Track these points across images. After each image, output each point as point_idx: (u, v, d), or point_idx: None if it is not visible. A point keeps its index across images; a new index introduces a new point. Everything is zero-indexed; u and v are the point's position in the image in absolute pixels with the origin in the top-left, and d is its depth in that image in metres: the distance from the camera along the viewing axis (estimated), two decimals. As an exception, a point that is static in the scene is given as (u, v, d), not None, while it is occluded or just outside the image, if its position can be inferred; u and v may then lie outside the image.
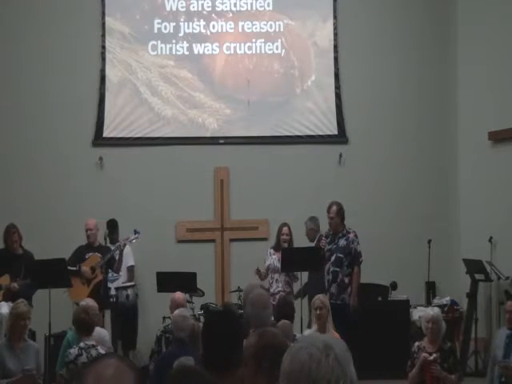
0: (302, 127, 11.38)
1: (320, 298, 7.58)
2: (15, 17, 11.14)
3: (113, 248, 9.66)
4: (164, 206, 10.99)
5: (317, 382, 1.85)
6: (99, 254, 9.48)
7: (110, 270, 9.67)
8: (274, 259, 9.40)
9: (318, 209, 9.90)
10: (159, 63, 11.37)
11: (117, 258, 9.61)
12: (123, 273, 10.29)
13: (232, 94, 11.39)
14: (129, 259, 10.40)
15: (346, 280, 9.14)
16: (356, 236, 9.26)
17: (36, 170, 10.99)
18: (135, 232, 9.61)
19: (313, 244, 9.71)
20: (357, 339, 7.93)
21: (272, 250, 9.54)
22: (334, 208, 9.31)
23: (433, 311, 7.02)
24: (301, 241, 9.80)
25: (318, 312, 7.41)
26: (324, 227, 9.71)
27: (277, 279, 9.32)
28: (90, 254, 9.52)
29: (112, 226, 10.31)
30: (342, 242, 9.22)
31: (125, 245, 9.59)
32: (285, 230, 9.52)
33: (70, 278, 9.22)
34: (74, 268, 9.35)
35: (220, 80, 11.42)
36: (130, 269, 10.49)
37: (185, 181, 11.11)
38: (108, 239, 10.17)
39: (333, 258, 9.15)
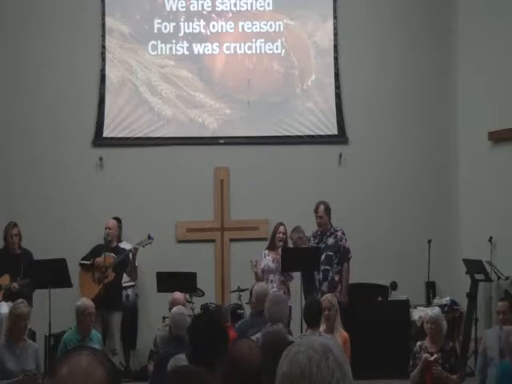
0: (302, 127, 11.38)
1: (328, 298, 7.54)
2: (15, 17, 11.14)
3: (127, 250, 9.63)
4: (164, 206, 10.99)
5: None
6: (113, 255, 9.46)
7: (124, 273, 9.68)
8: (268, 260, 9.38)
9: (318, 209, 9.91)
10: (159, 63, 11.37)
11: (130, 261, 9.58)
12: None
13: (232, 94, 11.39)
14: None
15: (337, 278, 9.33)
16: (343, 233, 9.45)
17: (36, 170, 10.99)
18: (149, 237, 9.57)
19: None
20: (356, 339, 7.94)
21: (267, 251, 9.49)
22: (322, 207, 9.48)
23: (432, 311, 6.99)
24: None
25: (326, 312, 7.38)
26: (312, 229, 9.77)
27: (272, 280, 9.30)
28: (106, 253, 9.50)
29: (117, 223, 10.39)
30: (331, 241, 9.39)
31: (137, 249, 9.52)
32: (281, 228, 9.52)
33: (83, 273, 9.30)
34: (88, 262, 9.37)
35: (220, 80, 11.42)
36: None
37: (185, 181, 11.11)
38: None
39: (323, 256, 9.27)
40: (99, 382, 1.86)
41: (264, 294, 7.23)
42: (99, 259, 9.35)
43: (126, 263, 9.49)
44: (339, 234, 9.44)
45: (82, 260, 9.44)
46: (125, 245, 10.07)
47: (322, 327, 7.33)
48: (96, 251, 9.51)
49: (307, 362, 1.87)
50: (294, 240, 9.82)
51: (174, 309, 7.04)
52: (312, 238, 9.52)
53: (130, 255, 9.51)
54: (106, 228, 9.63)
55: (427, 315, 6.90)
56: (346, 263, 9.37)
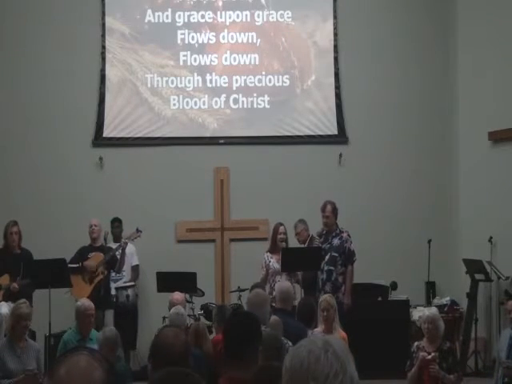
0: (302, 127, 11.38)
1: (326, 299, 7.53)
2: (15, 17, 11.15)
3: (115, 247, 9.67)
4: (164, 206, 10.99)
5: (316, 377, 1.88)
6: (101, 254, 9.49)
7: (112, 270, 9.69)
8: (273, 262, 9.37)
9: (318, 209, 9.90)
10: (159, 63, 11.38)
11: (119, 257, 9.62)
12: (127, 272, 10.32)
13: (232, 94, 11.39)
14: (133, 258, 10.44)
15: (340, 279, 9.30)
16: (349, 235, 9.42)
17: (36, 170, 10.99)
18: (137, 230, 9.63)
19: (304, 246, 9.72)
20: (356, 339, 7.94)
21: (269, 254, 9.48)
22: (329, 207, 9.44)
23: (429, 311, 6.98)
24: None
25: (324, 313, 7.37)
26: (313, 229, 9.76)
27: (279, 281, 9.29)
28: (93, 253, 9.52)
29: (117, 223, 10.42)
30: (336, 242, 9.35)
31: (126, 243, 9.60)
32: (281, 229, 9.51)
33: (73, 275, 9.29)
34: (76, 265, 9.37)
35: (220, 80, 11.42)
36: (135, 268, 10.53)
37: (185, 181, 11.11)
38: (112, 237, 10.22)
39: (327, 257, 9.27)
40: (97, 383, 1.87)
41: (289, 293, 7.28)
42: (88, 262, 9.36)
43: (114, 261, 9.53)
44: (345, 235, 9.39)
45: (68, 263, 9.41)
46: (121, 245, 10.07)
47: (321, 327, 7.33)
48: (81, 253, 9.53)
49: (306, 354, 1.90)
50: (297, 230, 9.81)
51: (172, 309, 7.05)
52: (317, 238, 9.47)
53: (120, 251, 9.55)
54: (91, 225, 9.68)
55: (424, 315, 6.89)
56: (350, 266, 9.33)
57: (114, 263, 9.56)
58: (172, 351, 3.52)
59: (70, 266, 9.35)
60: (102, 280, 9.37)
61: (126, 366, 6.18)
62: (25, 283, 9.10)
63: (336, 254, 9.29)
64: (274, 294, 9.01)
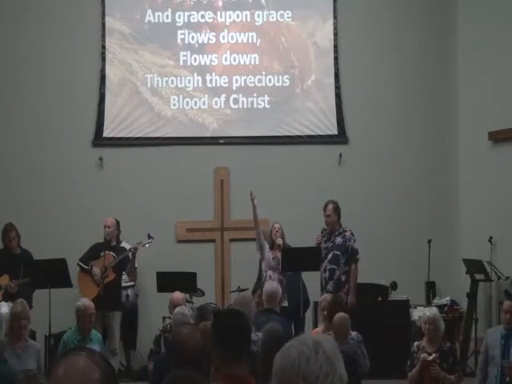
0: (302, 127, 11.38)
1: (327, 299, 7.54)
2: (15, 16, 11.15)
3: (127, 249, 9.63)
4: (164, 206, 10.99)
5: (306, 378, 1.89)
6: (113, 254, 9.46)
7: (123, 272, 9.69)
8: (269, 256, 9.40)
9: (318, 209, 9.91)
10: (159, 63, 11.38)
11: (130, 260, 9.59)
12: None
13: (232, 94, 11.39)
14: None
15: (343, 278, 9.27)
16: (352, 234, 9.39)
17: (36, 170, 10.99)
18: (149, 236, 9.58)
19: None
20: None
21: (268, 247, 9.52)
22: (331, 206, 9.45)
23: (429, 312, 6.98)
24: (300, 241, 9.81)
25: (324, 313, 7.38)
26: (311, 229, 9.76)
27: (270, 276, 9.31)
28: (106, 252, 9.50)
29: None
30: (339, 240, 9.34)
31: (137, 248, 9.50)
32: (276, 225, 9.51)
33: (82, 274, 9.30)
34: (86, 267, 9.38)
35: (220, 80, 11.42)
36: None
37: (185, 181, 11.12)
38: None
39: (329, 255, 9.26)
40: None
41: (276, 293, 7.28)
42: (96, 269, 9.33)
43: (125, 263, 9.50)
44: (348, 234, 9.38)
45: (80, 260, 9.43)
46: (124, 245, 10.06)
47: (321, 327, 7.34)
48: (94, 250, 9.51)
49: (297, 355, 1.92)
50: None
51: (177, 309, 7.03)
52: (320, 234, 9.47)
53: (130, 255, 9.51)
54: (104, 226, 9.65)
55: (425, 315, 6.89)
56: (353, 264, 9.29)
57: (125, 265, 9.53)
58: (190, 349, 3.52)
59: (79, 264, 9.39)
60: (112, 281, 9.34)
61: (12, 369, 6.22)
62: (23, 282, 9.10)
63: (338, 253, 9.28)
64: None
